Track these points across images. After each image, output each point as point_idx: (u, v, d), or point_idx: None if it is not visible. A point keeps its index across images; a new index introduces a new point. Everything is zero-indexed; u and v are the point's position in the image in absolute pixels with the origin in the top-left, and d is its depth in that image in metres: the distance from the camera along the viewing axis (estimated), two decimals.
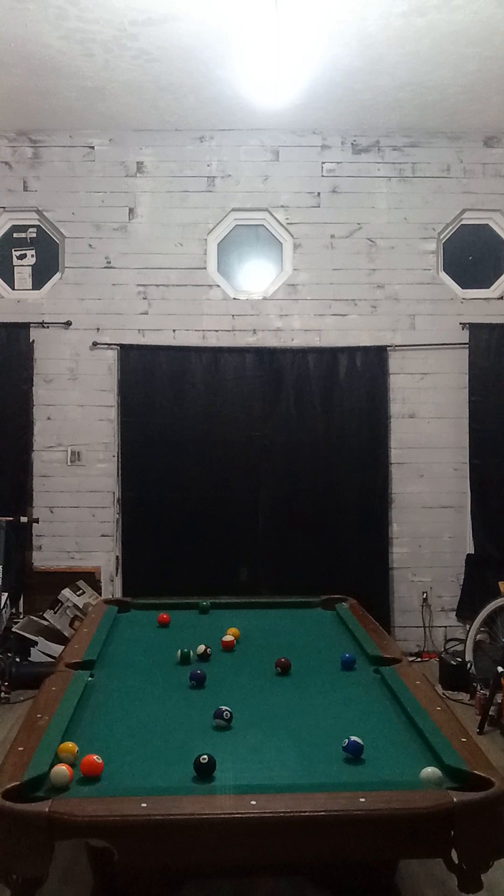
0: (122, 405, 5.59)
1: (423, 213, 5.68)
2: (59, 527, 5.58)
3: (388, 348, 5.63)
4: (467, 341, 5.60)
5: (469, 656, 4.87)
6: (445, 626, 5.62)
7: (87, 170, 5.63)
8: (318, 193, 5.67)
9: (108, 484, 5.61)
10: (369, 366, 5.62)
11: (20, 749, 2.26)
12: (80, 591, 5.34)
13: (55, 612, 5.24)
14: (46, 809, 1.90)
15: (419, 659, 5.44)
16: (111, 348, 5.60)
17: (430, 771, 2.10)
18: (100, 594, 5.42)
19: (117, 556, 5.59)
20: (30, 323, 5.56)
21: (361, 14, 4.03)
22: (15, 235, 5.67)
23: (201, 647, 3.24)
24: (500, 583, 5.02)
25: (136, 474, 5.56)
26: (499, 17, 4.07)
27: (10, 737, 3.33)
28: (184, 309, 5.64)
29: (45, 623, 5.22)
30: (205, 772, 2.12)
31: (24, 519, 5.35)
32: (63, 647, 3.72)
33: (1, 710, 4.52)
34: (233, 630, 3.52)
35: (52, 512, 5.57)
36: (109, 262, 5.64)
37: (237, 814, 1.94)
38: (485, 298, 5.71)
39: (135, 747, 2.36)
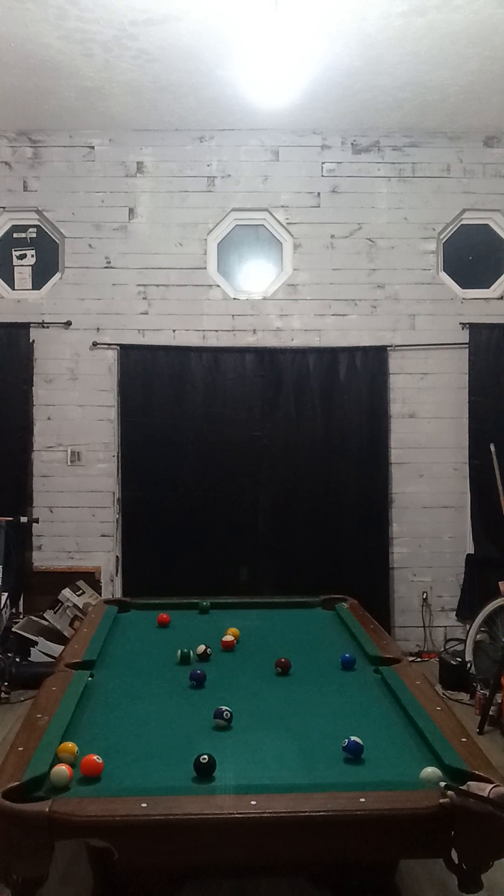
0: (122, 405, 5.59)
1: (423, 213, 5.68)
2: (59, 527, 5.58)
3: (388, 348, 5.63)
4: (467, 341, 5.61)
5: (469, 656, 4.87)
6: (445, 626, 5.62)
7: (87, 170, 5.63)
8: (318, 193, 5.67)
9: (108, 484, 5.61)
10: (369, 366, 5.62)
11: (20, 749, 2.26)
12: (80, 591, 5.34)
13: (55, 612, 5.24)
14: (46, 809, 1.90)
15: (419, 659, 5.44)
16: (111, 348, 5.60)
17: (430, 771, 2.10)
18: (100, 594, 5.42)
19: (117, 556, 5.59)
20: (30, 323, 5.56)
21: (361, 14, 4.03)
22: (15, 235, 5.67)
23: (201, 647, 3.23)
24: (500, 583, 5.02)
25: (136, 474, 5.56)
26: (499, 17, 4.07)
27: (10, 737, 3.33)
28: (184, 309, 5.64)
29: (45, 623, 5.22)
30: (205, 772, 2.12)
31: (24, 519, 5.35)
32: (63, 647, 3.72)
33: (1, 710, 4.52)
34: (233, 630, 3.52)
35: (52, 512, 5.57)
36: (109, 262, 5.64)
37: (237, 814, 1.94)
38: (485, 298, 5.71)
39: (135, 747, 2.36)
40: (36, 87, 4.91)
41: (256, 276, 5.74)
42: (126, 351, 5.59)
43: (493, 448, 5.38)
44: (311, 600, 4.19)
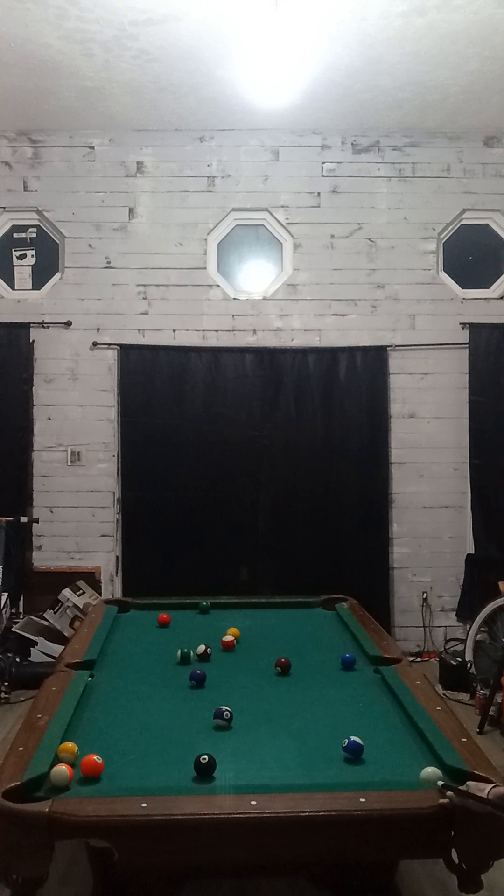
0: (122, 405, 5.59)
1: (423, 213, 5.68)
2: (59, 527, 5.58)
3: (388, 348, 5.63)
4: (467, 341, 5.60)
5: (469, 656, 4.86)
6: (445, 626, 5.62)
7: (87, 170, 5.62)
8: (318, 193, 5.67)
9: (108, 484, 5.61)
10: (369, 366, 5.62)
11: (20, 749, 2.26)
12: (80, 591, 5.34)
13: (55, 612, 5.24)
14: (46, 809, 1.90)
15: (419, 659, 5.44)
16: (111, 348, 5.60)
17: (431, 771, 2.10)
18: (100, 594, 5.42)
19: (117, 556, 5.59)
20: (30, 323, 5.56)
21: (361, 14, 4.03)
22: (15, 235, 5.67)
23: (201, 647, 3.23)
24: (500, 583, 5.02)
25: (136, 474, 5.56)
26: (499, 17, 4.07)
27: (10, 737, 3.33)
28: (184, 309, 5.64)
29: (45, 623, 5.22)
30: (205, 772, 2.12)
31: (24, 519, 5.35)
32: (63, 647, 3.72)
33: (1, 710, 4.52)
34: (233, 630, 3.52)
35: (52, 512, 5.57)
36: (109, 262, 5.63)
37: (237, 814, 1.94)
38: (485, 298, 5.71)
39: (135, 747, 2.36)
40: (36, 87, 4.90)
41: (256, 276, 5.74)
42: (126, 351, 5.59)
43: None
44: (311, 600, 4.19)
